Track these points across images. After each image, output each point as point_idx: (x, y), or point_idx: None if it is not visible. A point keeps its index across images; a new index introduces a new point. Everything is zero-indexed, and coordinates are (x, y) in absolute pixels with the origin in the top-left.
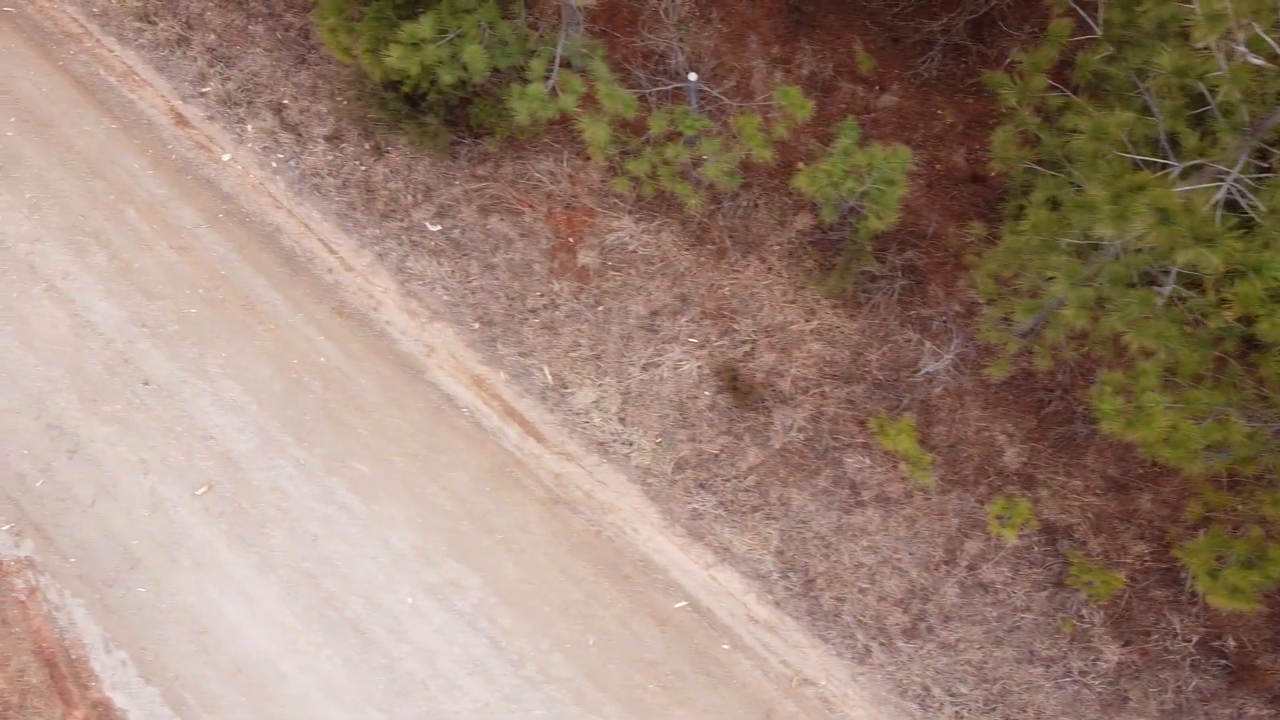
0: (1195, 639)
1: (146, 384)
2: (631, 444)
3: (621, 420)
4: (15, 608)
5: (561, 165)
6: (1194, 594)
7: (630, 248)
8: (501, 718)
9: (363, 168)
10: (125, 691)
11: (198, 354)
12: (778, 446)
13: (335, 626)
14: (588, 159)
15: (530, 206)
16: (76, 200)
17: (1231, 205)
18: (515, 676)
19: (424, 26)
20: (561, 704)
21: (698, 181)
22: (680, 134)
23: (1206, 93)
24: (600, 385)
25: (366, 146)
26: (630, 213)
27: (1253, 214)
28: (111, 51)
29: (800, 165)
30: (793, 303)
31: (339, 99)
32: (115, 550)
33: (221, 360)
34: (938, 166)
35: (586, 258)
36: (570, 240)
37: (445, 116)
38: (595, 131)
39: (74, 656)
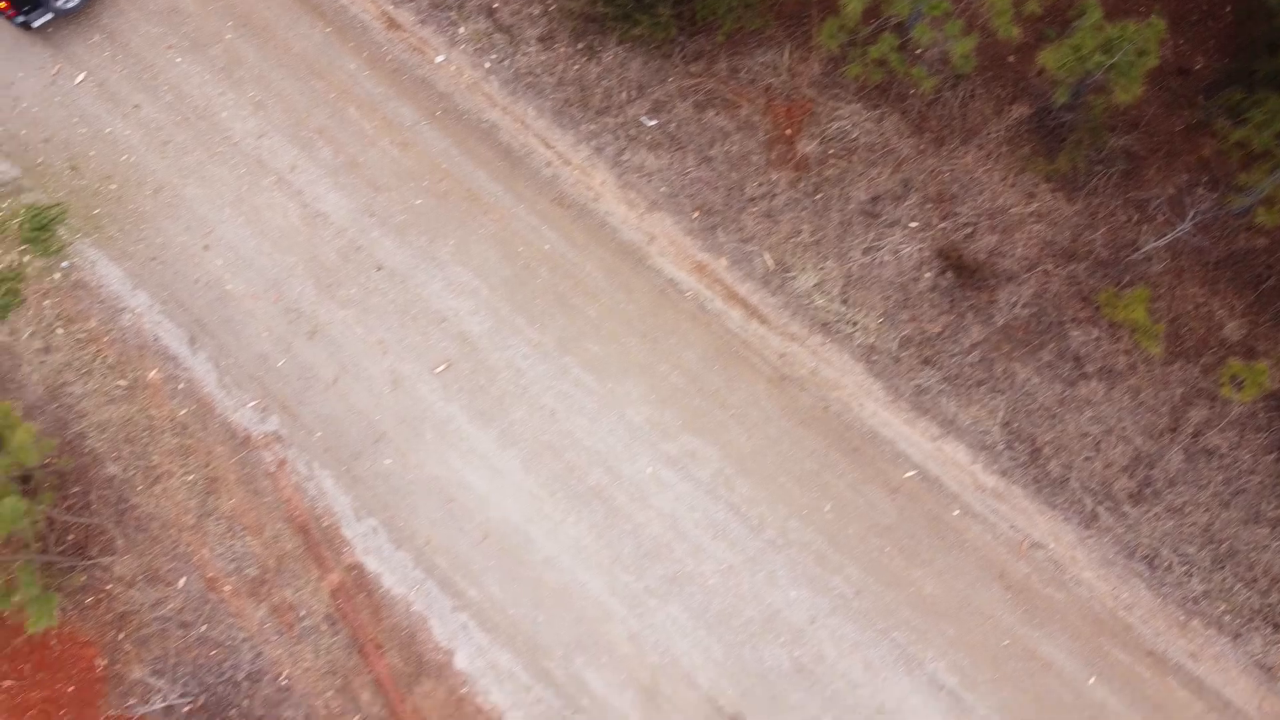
0: None
1: (379, 269)
2: (854, 324)
3: (844, 302)
4: (265, 479)
5: (783, 58)
6: None
7: (852, 135)
8: (746, 578)
9: (575, 67)
10: (377, 556)
11: (427, 241)
12: (1001, 323)
13: (579, 495)
14: (809, 52)
15: (748, 100)
16: (298, 99)
17: None
18: (757, 540)
19: None
20: (804, 565)
21: (928, 66)
22: (906, 22)
23: None
24: (821, 269)
25: (579, 47)
26: (853, 101)
27: None
28: None
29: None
30: (1012, 187)
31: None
32: (359, 425)
33: (450, 247)
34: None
35: (806, 147)
36: (789, 131)
37: (672, 11)
38: (852, 4)
39: (325, 524)
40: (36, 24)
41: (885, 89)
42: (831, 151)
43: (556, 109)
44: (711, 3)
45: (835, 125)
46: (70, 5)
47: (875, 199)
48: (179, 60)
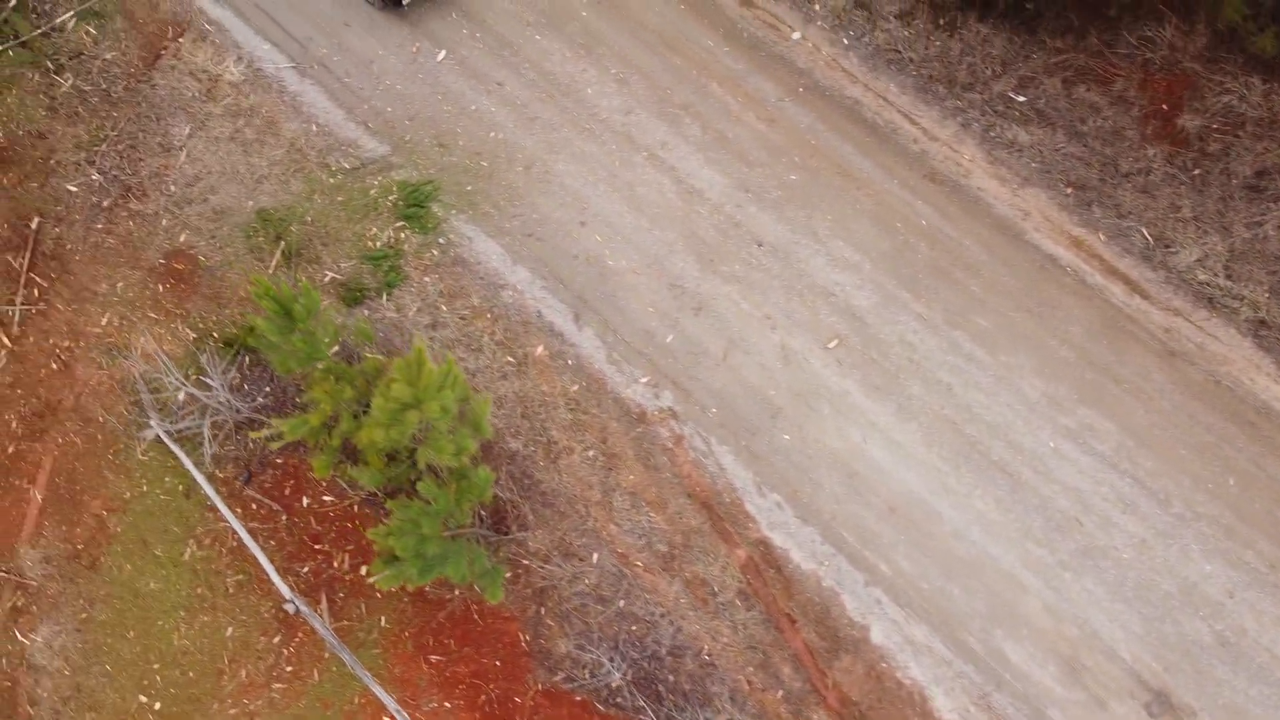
0: None
1: (760, 245)
2: (1241, 298)
3: (1229, 276)
4: (663, 455)
5: (1164, 32)
6: None
7: (1239, 110)
8: (1160, 551)
9: (936, 44)
10: (783, 531)
11: (805, 216)
12: None
13: (982, 468)
14: (1193, 25)
15: (1122, 75)
16: (660, 75)
17: None
18: (1165, 514)
19: None
20: (1214, 539)
21: None
22: None
23: None
24: (1203, 244)
25: (940, 23)
26: (1245, 74)
27: None
28: None
29: None
30: None
31: None
32: (754, 400)
33: (828, 222)
34: None
35: (1187, 122)
36: (1166, 106)
37: None
38: None
39: (728, 500)
40: (407, 1)
41: (1274, 62)
42: (1215, 126)
43: (919, 85)
44: None
45: (1222, 100)
46: None
47: (1261, 173)
48: (537, 37)
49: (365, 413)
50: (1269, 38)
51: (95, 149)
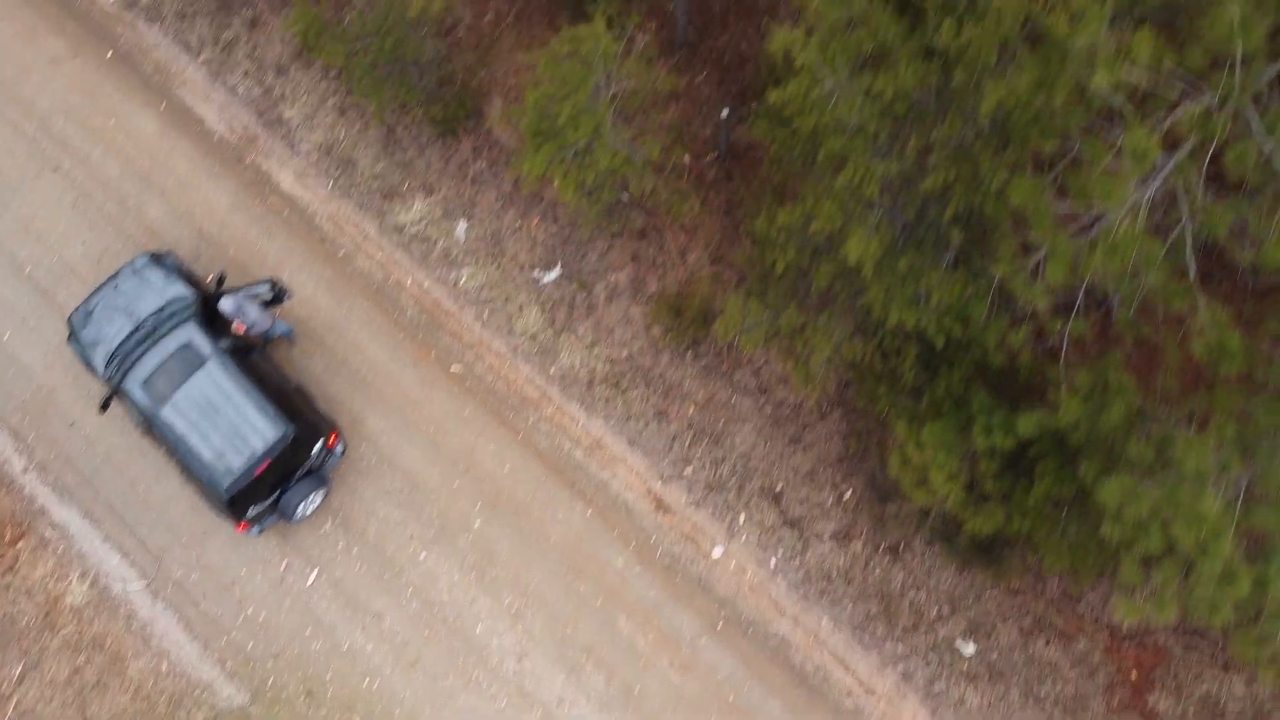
0: None
1: None
2: None
3: None
4: None
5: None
6: None
7: (1221, 702)
8: None
9: (877, 571)
10: None
11: None
12: None
13: None
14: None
15: (1083, 632)
16: (561, 606)
17: None
18: None
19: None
20: None
21: None
22: None
23: None
24: None
25: (880, 547)
26: (1221, 667)
27: None
28: (576, 421)
29: None
30: None
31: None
32: None
33: None
34: None
35: (1159, 702)
36: (1135, 677)
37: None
38: None
39: None
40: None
41: None
42: (1193, 712)
43: (856, 622)
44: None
45: (1202, 686)
46: (310, 509)
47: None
48: (424, 555)
49: None
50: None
51: None
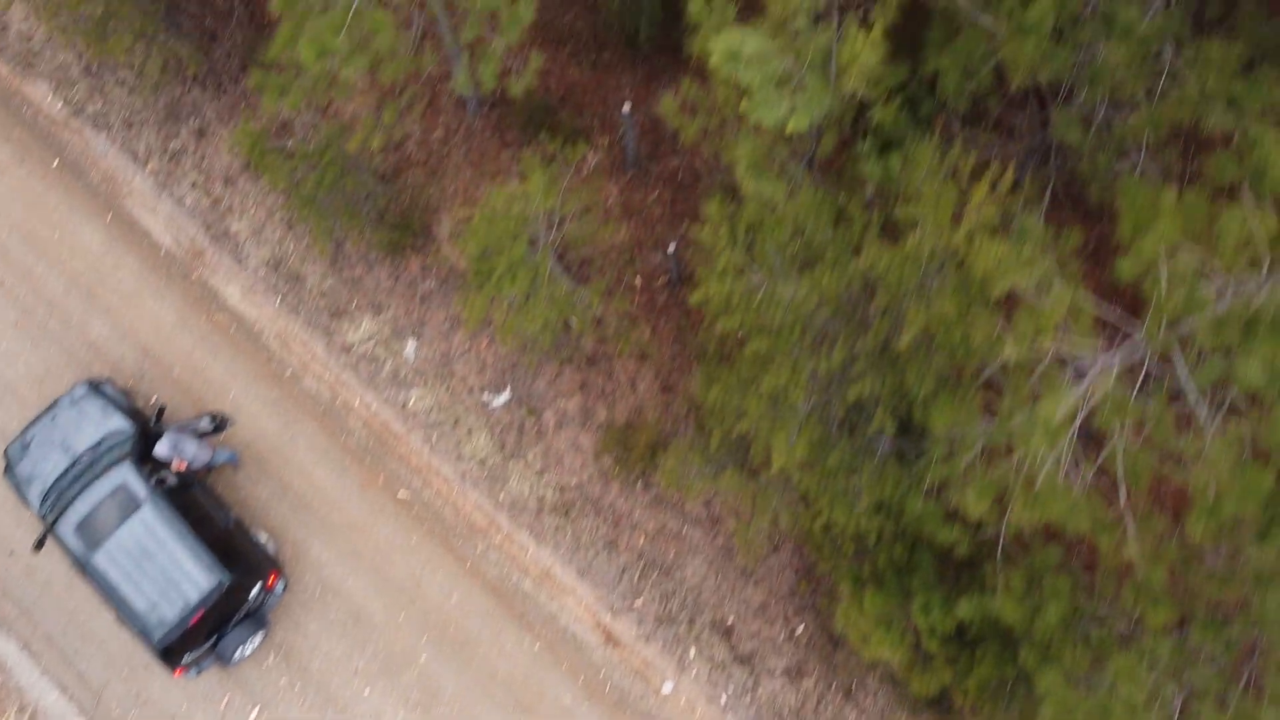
0: None
1: None
2: None
3: None
4: None
5: None
6: None
7: None
8: None
9: (829, 709)
10: None
11: None
12: None
13: None
14: None
15: None
16: None
17: None
18: None
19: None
20: None
21: None
22: None
23: None
24: None
25: (833, 685)
26: None
27: None
28: (525, 550)
29: None
30: None
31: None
32: None
33: None
34: None
35: None
36: None
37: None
38: None
39: None
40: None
41: None
42: None
43: None
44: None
45: None
46: (249, 651)
47: None
48: (367, 691)
49: None
50: None
51: None
